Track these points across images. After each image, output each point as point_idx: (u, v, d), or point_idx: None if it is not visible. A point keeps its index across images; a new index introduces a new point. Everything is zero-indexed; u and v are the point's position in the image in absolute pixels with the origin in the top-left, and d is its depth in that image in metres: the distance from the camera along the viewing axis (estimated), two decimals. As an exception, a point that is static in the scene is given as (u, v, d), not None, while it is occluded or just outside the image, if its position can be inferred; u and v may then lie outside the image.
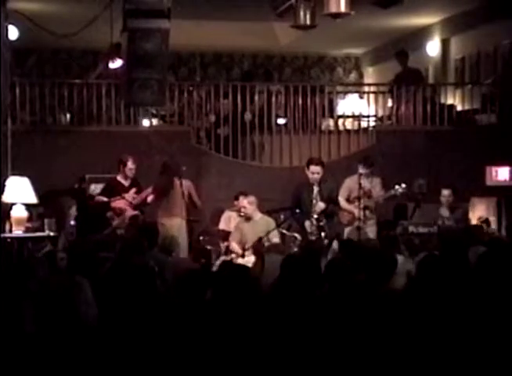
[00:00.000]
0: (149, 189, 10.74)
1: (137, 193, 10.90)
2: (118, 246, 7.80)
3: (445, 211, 10.58)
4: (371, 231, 10.51)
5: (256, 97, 13.40)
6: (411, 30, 15.65)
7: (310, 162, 10.28)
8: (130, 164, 10.98)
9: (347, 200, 10.55)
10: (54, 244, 9.93)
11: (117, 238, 10.38)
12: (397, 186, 10.38)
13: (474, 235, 9.58)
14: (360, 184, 10.22)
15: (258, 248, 9.26)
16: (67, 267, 6.74)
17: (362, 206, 10.25)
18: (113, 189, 10.97)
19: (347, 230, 10.50)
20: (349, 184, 10.60)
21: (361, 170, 10.44)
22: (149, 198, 10.78)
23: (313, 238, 9.79)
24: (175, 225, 10.31)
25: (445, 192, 10.57)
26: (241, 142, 13.17)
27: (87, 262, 6.52)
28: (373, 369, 4.65)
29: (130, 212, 10.83)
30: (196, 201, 10.75)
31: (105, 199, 10.94)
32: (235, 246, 10.15)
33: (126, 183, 11.03)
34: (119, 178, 11.07)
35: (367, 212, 10.44)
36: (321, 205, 9.95)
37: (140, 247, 7.48)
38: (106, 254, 7.99)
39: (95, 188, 11.50)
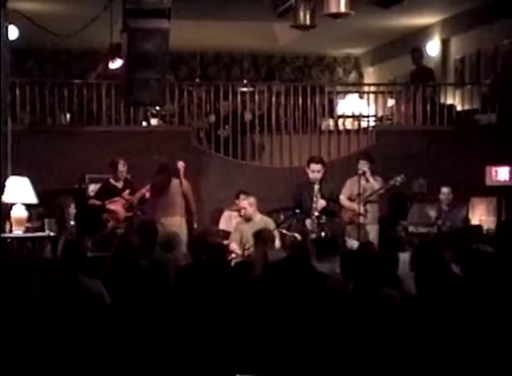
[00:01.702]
0: (147, 187, 10.75)
1: (131, 193, 10.93)
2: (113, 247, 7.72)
3: (445, 211, 10.58)
4: (373, 229, 10.47)
5: (256, 97, 13.40)
6: (411, 30, 15.64)
7: (311, 160, 10.27)
8: (121, 167, 11.07)
9: (349, 199, 10.53)
10: (54, 244, 9.92)
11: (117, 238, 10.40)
12: (396, 177, 10.37)
13: (473, 235, 9.61)
14: (363, 180, 10.25)
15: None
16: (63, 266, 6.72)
17: (362, 200, 10.25)
18: (107, 192, 11.03)
19: (348, 228, 10.48)
20: (351, 184, 10.59)
21: (361, 165, 10.42)
22: (147, 194, 10.79)
23: (314, 236, 9.77)
24: (175, 224, 10.32)
25: (445, 190, 10.58)
26: (241, 142, 13.17)
27: (81, 262, 6.53)
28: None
29: (124, 214, 10.87)
30: (190, 205, 10.73)
31: (98, 202, 10.99)
32: (235, 246, 10.15)
33: (119, 185, 11.11)
34: (111, 180, 11.14)
35: (368, 206, 10.41)
36: (322, 203, 9.93)
37: (135, 248, 7.43)
38: (106, 254, 7.98)
39: (95, 188, 11.51)
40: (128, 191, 10.96)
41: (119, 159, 11.11)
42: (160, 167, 10.77)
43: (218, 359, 4.58)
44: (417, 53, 14.34)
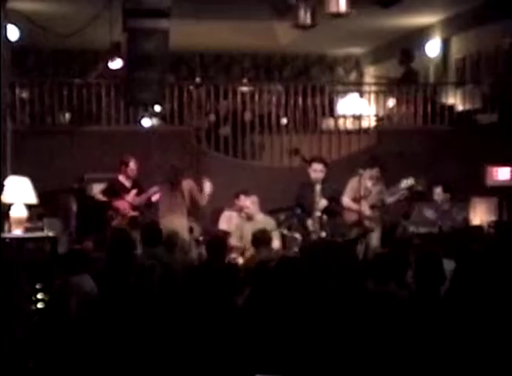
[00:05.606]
0: (154, 189, 10.71)
1: (138, 194, 10.90)
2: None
3: (444, 211, 10.55)
4: (375, 232, 10.40)
5: (256, 97, 13.40)
6: (411, 30, 15.63)
7: (313, 160, 10.23)
8: (132, 165, 10.99)
9: (354, 200, 10.40)
10: (53, 244, 9.90)
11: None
12: (405, 181, 10.20)
13: (473, 235, 9.59)
14: (370, 182, 10.20)
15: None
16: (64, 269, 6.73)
17: (370, 204, 10.19)
18: (115, 190, 10.96)
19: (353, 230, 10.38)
20: (354, 184, 10.46)
21: (375, 172, 10.34)
22: (154, 197, 10.78)
23: (315, 236, 9.74)
24: (178, 225, 10.30)
25: (437, 190, 10.51)
26: (241, 142, 13.16)
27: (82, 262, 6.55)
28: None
29: (130, 213, 10.84)
30: (198, 200, 10.72)
31: (104, 198, 10.94)
32: (236, 243, 10.13)
33: (128, 184, 11.02)
34: (121, 178, 11.05)
35: (375, 211, 10.35)
36: (323, 203, 9.88)
37: (129, 245, 7.42)
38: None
39: (94, 188, 11.47)
40: (135, 191, 10.91)
41: (129, 157, 11.03)
42: (170, 170, 10.68)
43: (236, 359, 4.56)
44: (406, 55, 14.32)
